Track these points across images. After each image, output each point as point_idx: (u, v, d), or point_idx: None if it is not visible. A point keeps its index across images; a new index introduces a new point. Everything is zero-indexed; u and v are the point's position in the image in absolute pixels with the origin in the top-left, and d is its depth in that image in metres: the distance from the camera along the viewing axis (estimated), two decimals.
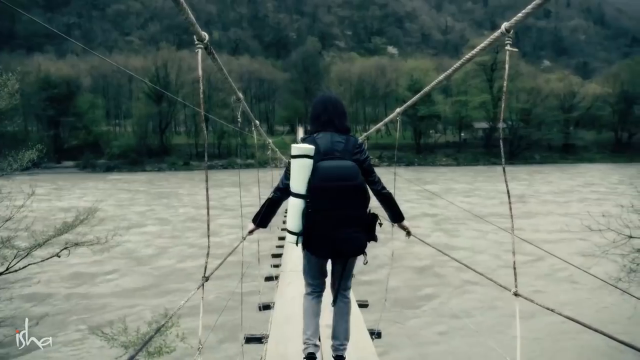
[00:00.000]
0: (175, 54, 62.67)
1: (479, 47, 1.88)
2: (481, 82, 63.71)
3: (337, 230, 2.38)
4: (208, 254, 1.76)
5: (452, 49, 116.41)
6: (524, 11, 1.53)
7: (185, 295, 1.51)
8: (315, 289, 2.74)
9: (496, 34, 1.72)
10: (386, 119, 4.16)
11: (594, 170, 50.02)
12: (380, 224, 2.56)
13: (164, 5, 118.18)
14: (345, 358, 2.71)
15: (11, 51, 75.23)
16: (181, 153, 57.79)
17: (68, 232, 9.91)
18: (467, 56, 2.04)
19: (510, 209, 1.75)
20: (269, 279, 5.62)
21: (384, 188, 2.61)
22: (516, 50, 1.69)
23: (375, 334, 3.73)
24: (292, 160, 2.40)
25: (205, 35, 1.74)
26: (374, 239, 2.53)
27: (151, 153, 56.35)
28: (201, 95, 1.89)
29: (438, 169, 53.29)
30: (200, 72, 1.75)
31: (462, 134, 66.89)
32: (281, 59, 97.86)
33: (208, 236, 1.74)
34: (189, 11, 1.55)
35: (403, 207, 2.68)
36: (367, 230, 2.48)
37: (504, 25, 1.65)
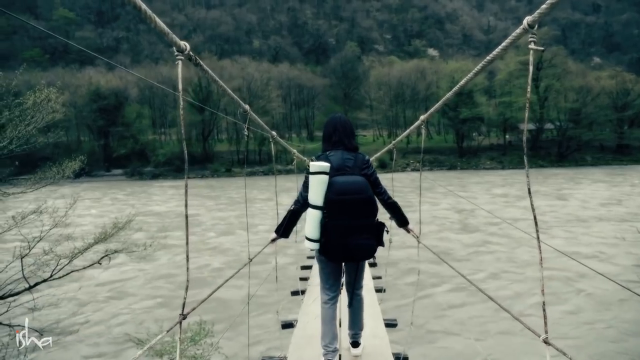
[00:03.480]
0: (216, 64, 64.14)
1: (499, 48, 1.62)
2: (526, 82, 61.11)
3: (351, 238, 2.66)
4: (187, 288, 1.55)
5: (494, 48, 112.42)
6: (548, 2, 1.26)
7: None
8: (331, 295, 2.97)
9: (518, 30, 1.44)
10: (412, 127, 3.89)
11: None
12: (387, 231, 2.84)
13: (206, 17, 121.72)
14: (360, 343, 3.15)
15: (65, 65, 79.94)
16: (223, 160, 58.92)
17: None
18: (488, 57, 1.78)
19: (538, 238, 1.43)
20: (295, 293, 5.36)
21: (390, 198, 2.95)
22: (542, 49, 1.42)
23: None
24: (311, 177, 2.71)
25: (185, 45, 1.57)
26: (382, 244, 2.83)
27: (194, 160, 57.77)
28: (181, 111, 1.72)
29: (494, 171, 50.66)
30: (180, 85, 1.59)
31: (507, 136, 64.30)
32: (320, 65, 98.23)
33: (187, 268, 1.49)
34: (159, 21, 1.39)
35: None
36: (376, 237, 2.75)
37: (527, 19, 1.37)
